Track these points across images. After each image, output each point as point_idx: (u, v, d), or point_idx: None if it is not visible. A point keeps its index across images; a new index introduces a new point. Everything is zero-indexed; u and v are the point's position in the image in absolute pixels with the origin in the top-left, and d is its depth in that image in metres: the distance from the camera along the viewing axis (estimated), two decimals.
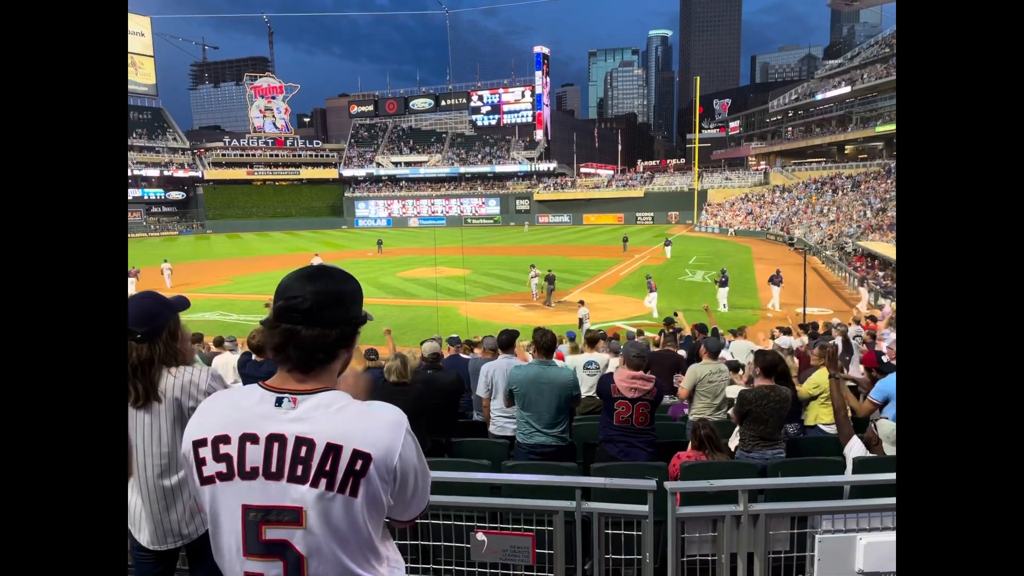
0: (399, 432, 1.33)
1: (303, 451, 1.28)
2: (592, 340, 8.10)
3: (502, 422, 5.69)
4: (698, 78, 75.68)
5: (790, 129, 76.90)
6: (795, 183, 60.16)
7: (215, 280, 31.03)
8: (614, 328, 16.56)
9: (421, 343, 6.03)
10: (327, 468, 1.27)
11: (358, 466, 1.28)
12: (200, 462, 1.33)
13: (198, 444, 1.34)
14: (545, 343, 5.02)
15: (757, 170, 74.29)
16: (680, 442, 4.99)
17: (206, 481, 1.33)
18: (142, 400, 2.27)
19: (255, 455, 1.29)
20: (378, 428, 1.33)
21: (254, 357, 5.46)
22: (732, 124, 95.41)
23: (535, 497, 3.43)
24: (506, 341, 6.24)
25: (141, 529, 2.37)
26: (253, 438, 1.30)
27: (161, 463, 2.32)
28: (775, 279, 21.73)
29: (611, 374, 5.04)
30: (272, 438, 1.29)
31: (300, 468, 1.28)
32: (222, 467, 1.31)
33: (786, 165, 70.77)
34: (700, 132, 75.98)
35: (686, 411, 6.21)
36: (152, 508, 2.35)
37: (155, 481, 2.32)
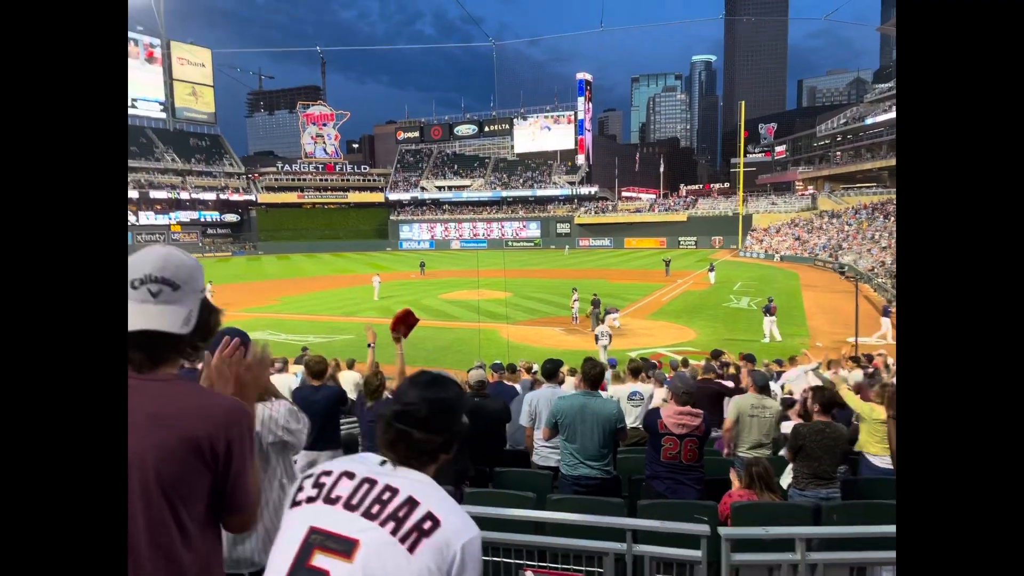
0: (471, 531, 1.41)
1: (386, 495, 1.40)
2: (635, 370, 7.99)
3: (546, 452, 5.64)
4: (743, 102, 74.94)
5: (839, 153, 74.99)
6: (844, 208, 58.52)
7: (265, 300, 31.93)
8: (657, 355, 16.29)
9: (467, 371, 6.08)
10: (400, 515, 1.36)
11: (426, 525, 1.35)
12: (300, 489, 1.48)
13: (306, 477, 1.50)
14: (594, 375, 4.99)
15: (804, 195, 72.59)
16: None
17: (295, 504, 1.46)
18: None
19: (345, 487, 1.44)
20: (457, 512, 1.43)
21: (308, 379, 5.59)
22: (778, 148, 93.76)
23: (583, 535, 3.39)
24: (550, 370, 6.21)
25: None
26: (351, 475, 1.46)
27: None
28: (887, 310, 21.18)
29: (658, 409, 4.95)
30: (365, 480, 1.45)
31: (377, 507, 1.39)
32: (314, 492, 1.46)
33: (835, 190, 68.98)
34: (745, 156, 74.88)
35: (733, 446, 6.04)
36: (225, 537, 2.40)
37: None
